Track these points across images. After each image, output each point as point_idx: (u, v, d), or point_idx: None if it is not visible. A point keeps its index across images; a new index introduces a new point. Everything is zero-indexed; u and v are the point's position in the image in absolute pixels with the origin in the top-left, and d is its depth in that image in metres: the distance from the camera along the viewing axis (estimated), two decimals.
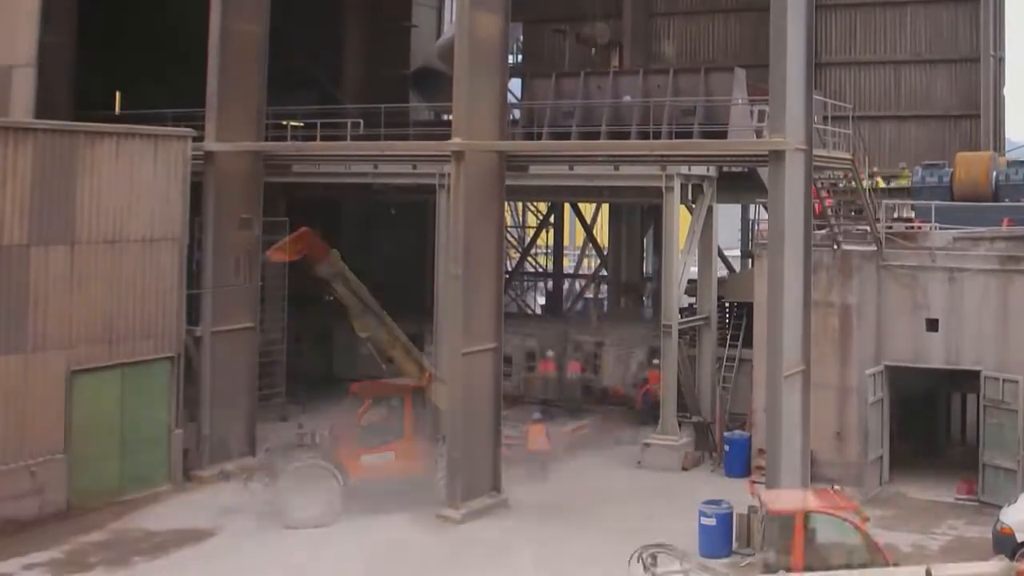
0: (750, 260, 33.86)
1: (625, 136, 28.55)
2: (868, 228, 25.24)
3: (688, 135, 27.10)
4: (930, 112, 37.19)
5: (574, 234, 51.66)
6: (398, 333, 24.14)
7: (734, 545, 20.48)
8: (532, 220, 45.87)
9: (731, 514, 20.61)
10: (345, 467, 22.20)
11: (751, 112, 27.82)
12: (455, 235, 22.91)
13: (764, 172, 23.67)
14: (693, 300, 30.05)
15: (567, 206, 42.94)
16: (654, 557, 16.57)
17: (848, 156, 24.53)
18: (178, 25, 30.68)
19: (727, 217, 41.64)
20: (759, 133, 26.53)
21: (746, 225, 39.15)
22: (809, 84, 21.26)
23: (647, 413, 28.92)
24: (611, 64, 38.32)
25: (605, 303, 39.93)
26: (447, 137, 23.38)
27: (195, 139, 24.72)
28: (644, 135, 27.86)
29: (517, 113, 32.52)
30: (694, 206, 27.83)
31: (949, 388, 26.59)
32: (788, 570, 16.80)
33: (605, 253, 41.25)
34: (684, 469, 26.16)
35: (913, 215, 27.30)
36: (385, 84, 38.54)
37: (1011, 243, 24.36)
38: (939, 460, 25.83)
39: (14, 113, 23.00)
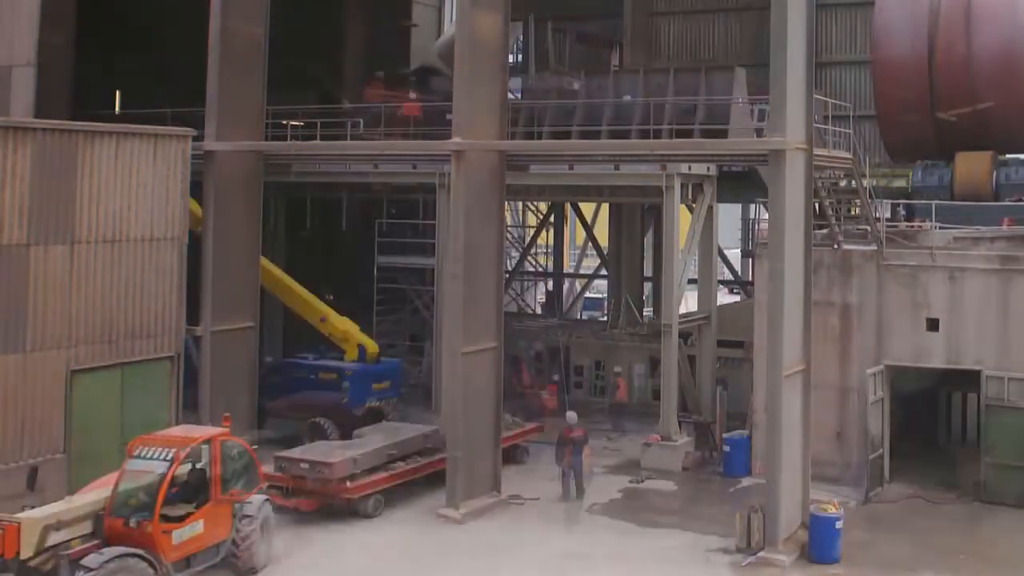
0: (749, 260, 33.77)
1: (625, 135, 28.54)
2: (868, 228, 25.22)
3: (688, 134, 27.10)
4: None
5: (574, 234, 51.67)
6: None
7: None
8: (532, 220, 45.85)
9: None
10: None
11: (751, 112, 27.81)
12: (455, 235, 22.89)
13: (764, 172, 23.67)
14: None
15: (567, 206, 42.94)
16: None
17: (848, 156, 24.52)
18: (178, 25, 30.64)
19: (727, 217, 41.66)
20: (759, 133, 26.53)
21: (746, 225, 39.10)
22: (809, 84, 21.24)
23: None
24: (611, 63, 38.35)
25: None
26: (447, 137, 23.37)
27: (195, 139, 24.70)
28: (644, 134, 27.86)
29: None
30: (694, 206, 27.83)
31: (949, 387, 26.57)
32: None
33: (605, 253, 41.25)
34: (684, 469, 26.10)
35: (908, 214, 27.29)
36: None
37: (1011, 243, 24.35)
38: (939, 459, 25.78)
39: (14, 113, 23.01)
